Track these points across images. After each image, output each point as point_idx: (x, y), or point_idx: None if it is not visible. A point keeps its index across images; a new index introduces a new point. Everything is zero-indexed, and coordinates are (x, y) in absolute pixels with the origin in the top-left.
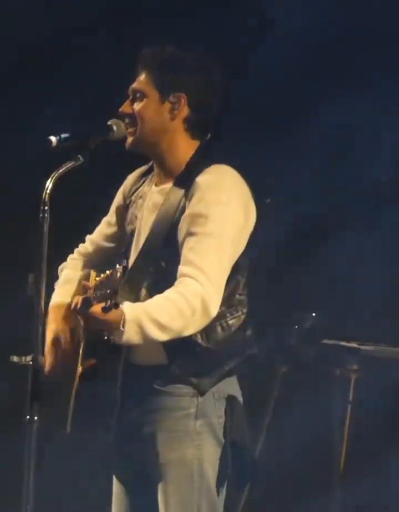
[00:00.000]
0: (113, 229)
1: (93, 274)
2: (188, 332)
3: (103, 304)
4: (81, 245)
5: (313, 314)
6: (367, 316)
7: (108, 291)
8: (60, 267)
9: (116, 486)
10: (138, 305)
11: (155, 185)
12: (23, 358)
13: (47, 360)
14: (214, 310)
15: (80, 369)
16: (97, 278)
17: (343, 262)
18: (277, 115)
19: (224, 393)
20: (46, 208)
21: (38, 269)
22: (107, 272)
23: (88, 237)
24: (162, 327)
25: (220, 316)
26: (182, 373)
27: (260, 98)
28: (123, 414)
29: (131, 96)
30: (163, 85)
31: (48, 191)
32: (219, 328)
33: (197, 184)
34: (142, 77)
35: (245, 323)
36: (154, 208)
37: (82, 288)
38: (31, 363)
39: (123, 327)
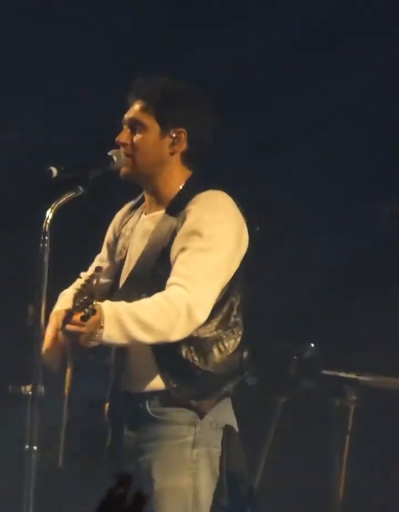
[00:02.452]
0: (105, 265)
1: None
2: (174, 337)
3: (82, 313)
4: (77, 281)
5: (313, 344)
6: (366, 346)
7: (85, 298)
8: (61, 294)
9: None
10: (118, 303)
11: (145, 214)
12: (23, 388)
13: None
14: (201, 316)
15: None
16: (77, 288)
17: (343, 292)
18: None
19: (221, 422)
20: (46, 237)
21: (38, 299)
22: (86, 279)
23: (83, 274)
24: (145, 326)
25: (216, 338)
26: (182, 397)
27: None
28: (119, 442)
29: (128, 126)
30: (164, 119)
31: (48, 221)
32: (216, 351)
33: (192, 205)
34: (140, 108)
35: (242, 345)
36: (145, 234)
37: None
38: (30, 393)
39: (102, 323)
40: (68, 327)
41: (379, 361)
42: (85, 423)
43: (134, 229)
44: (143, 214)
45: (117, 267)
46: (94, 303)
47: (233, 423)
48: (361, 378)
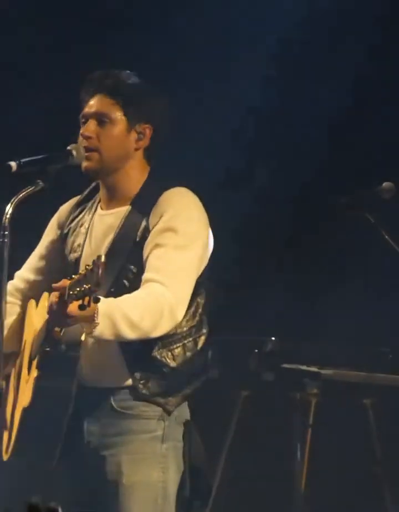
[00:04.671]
0: (43, 262)
1: (31, 303)
2: (154, 334)
3: (80, 302)
4: (10, 283)
5: (273, 338)
6: (327, 339)
7: (85, 286)
8: None
9: None
10: (111, 299)
11: (102, 209)
12: None
13: None
14: (180, 315)
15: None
16: (73, 277)
17: (305, 286)
18: None
19: (183, 417)
20: (6, 232)
21: None
22: (86, 268)
23: (17, 274)
24: (132, 325)
25: (185, 336)
26: (149, 394)
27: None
28: (78, 436)
29: (94, 119)
30: (132, 114)
31: (8, 216)
32: (184, 348)
33: (163, 204)
34: (107, 102)
35: (206, 343)
36: (108, 230)
37: (57, 284)
38: None
39: (97, 319)
40: (70, 309)
41: (340, 354)
42: (41, 415)
43: (91, 225)
44: (99, 209)
45: (67, 264)
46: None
47: (189, 417)
48: (322, 371)
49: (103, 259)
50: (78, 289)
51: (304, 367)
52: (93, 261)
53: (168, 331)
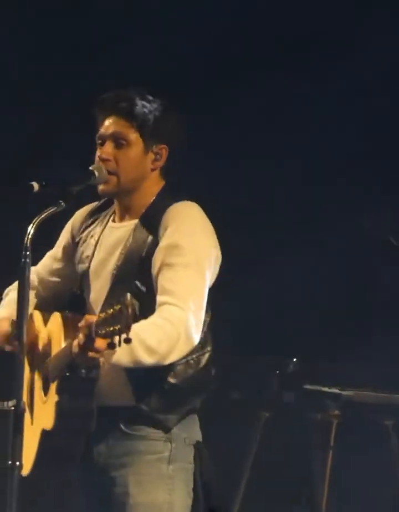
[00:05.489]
0: (59, 265)
1: (37, 314)
2: (171, 359)
3: (108, 340)
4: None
5: (295, 359)
6: (348, 361)
7: (115, 327)
8: (5, 291)
9: None
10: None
11: (113, 221)
12: (5, 403)
13: None
14: (196, 337)
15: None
16: (100, 315)
17: (325, 307)
18: None
19: (193, 439)
20: (28, 253)
21: (20, 314)
22: (114, 308)
23: (33, 269)
24: (149, 350)
25: (188, 353)
26: (148, 410)
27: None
28: (90, 458)
29: (110, 141)
30: (148, 135)
31: (30, 236)
32: (186, 365)
33: (168, 217)
34: (123, 123)
35: (211, 360)
36: (117, 243)
37: (85, 322)
38: (13, 408)
39: (116, 347)
40: (92, 354)
41: (362, 375)
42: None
43: (101, 237)
44: (111, 221)
45: (76, 273)
46: (129, 334)
47: (200, 438)
48: (343, 392)
49: (128, 297)
50: (107, 329)
51: (325, 388)
52: (121, 300)
53: (185, 354)
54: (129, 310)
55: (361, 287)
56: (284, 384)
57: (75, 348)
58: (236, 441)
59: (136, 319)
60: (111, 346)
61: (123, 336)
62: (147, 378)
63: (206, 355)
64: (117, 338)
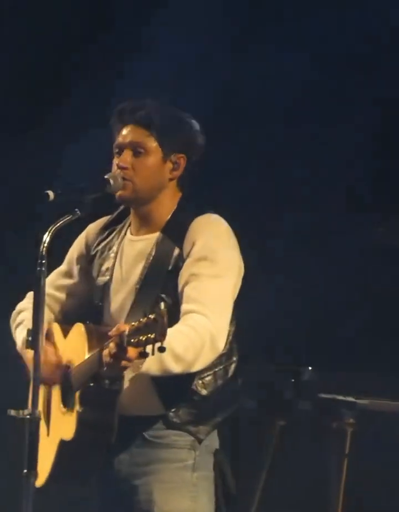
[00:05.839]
0: (68, 281)
1: (56, 326)
2: (197, 367)
3: (140, 349)
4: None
5: (310, 367)
6: (364, 369)
7: (150, 336)
8: (17, 310)
9: None
10: None
11: (132, 234)
12: (21, 411)
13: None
14: (221, 345)
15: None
16: (133, 324)
17: (341, 314)
18: None
19: (212, 447)
20: (43, 261)
21: (35, 323)
22: (148, 317)
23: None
24: (177, 357)
25: (215, 364)
26: (180, 422)
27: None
28: (111, 467)
29: (128, 149)
30: (166, 144)
31: (46, 244)
32: (215, 376)
33: (194, 231)
34: (142, 132)
35: (237, 370)
36: (139, 256)
37: (116, 331)
38: (28, 416)
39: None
40: (124, 363)
41: (377, 384)
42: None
43: (121, 250)
44: (129, 234)
45: (95, 287)
46: (163, 343)
47: (218, 446)
48: (359, 401)
49: (163, 306)
50: (139, 338)
51: (340, 397)
52: (156, 310)
53: (210, 362)
54: (165, 319)
55: (378, 296)
56: (299, 393)
57: (106, 357)
58: (252, 450)
59: None
60: (144, 355)
61: (158, 344)
62: (176, 388)
63: (233, 365)
64: (150, 347)
